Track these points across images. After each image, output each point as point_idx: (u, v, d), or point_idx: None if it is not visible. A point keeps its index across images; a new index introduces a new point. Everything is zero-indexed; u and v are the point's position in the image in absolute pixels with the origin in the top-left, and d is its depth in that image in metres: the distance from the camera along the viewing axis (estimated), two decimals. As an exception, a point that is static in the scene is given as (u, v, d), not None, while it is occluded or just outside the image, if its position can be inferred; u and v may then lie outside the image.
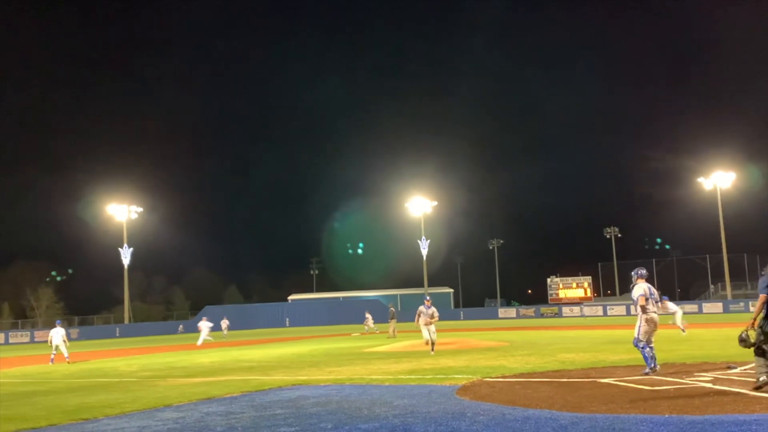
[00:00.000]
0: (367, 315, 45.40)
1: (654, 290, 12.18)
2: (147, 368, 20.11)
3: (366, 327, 44.22)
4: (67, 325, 75.51)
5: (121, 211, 70.24)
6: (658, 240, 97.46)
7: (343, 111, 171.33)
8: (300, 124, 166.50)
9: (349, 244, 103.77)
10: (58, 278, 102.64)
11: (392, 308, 38.13)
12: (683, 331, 24.28)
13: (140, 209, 72.26)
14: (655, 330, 11.93)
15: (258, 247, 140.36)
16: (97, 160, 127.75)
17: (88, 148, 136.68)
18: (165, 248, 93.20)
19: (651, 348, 11.80)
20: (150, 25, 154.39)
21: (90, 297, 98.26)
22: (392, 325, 35.47)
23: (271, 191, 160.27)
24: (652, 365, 11.69)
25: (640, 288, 11.99)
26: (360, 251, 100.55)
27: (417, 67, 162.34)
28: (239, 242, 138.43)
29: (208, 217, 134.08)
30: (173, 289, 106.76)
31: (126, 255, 70.39)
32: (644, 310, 11.82)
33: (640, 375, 11.72)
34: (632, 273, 12.38)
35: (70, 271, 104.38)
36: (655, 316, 11.91)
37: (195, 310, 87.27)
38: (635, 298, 12.03)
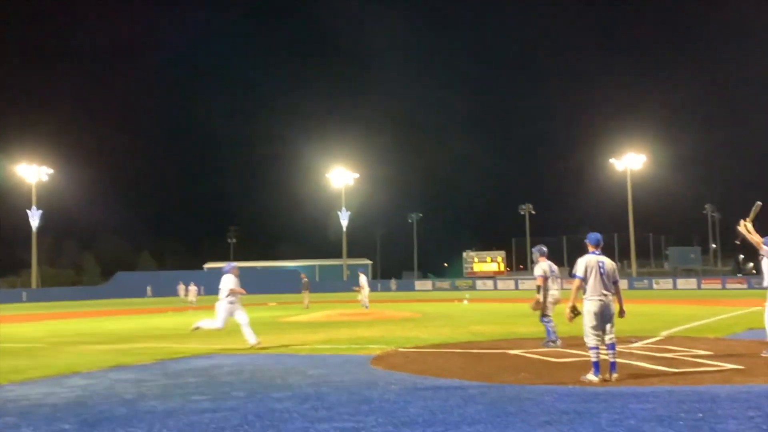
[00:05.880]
0: None
1: (555, 267, 12.73)
2: (55, 334, 19.54)
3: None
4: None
5: (30, 172, 67.48)
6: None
7: (265, 73, 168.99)
8: (219, 87, 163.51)
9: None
10: None
11: (305, 278, 34.54)
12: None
13: (51, 171, 69.58)
14: (554, 305, 12.50)
15: (174, 214, 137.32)
16: (6, 117, 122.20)
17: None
18: (76, 212, 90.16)
19: (552, 323, 12.37)
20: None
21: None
22: (306, 296, 33.22)
23: (189, 157, 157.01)
24: (553, 338, 12.36)
25: (540, 268, 12.51)
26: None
27: (340, 38, 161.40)
28: (154, 208, 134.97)
29: (122, 181, 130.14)
30: (84, 254, 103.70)
31: (34, 217, 67.78)
32: (539, 289, 12.39)
33: (542, 346, 12.26)
34: (533, 250, 12.88)
35: None
36: (555, 293, 12.51)
37: (106, 275, 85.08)
38: (536, 277, 12.59)
